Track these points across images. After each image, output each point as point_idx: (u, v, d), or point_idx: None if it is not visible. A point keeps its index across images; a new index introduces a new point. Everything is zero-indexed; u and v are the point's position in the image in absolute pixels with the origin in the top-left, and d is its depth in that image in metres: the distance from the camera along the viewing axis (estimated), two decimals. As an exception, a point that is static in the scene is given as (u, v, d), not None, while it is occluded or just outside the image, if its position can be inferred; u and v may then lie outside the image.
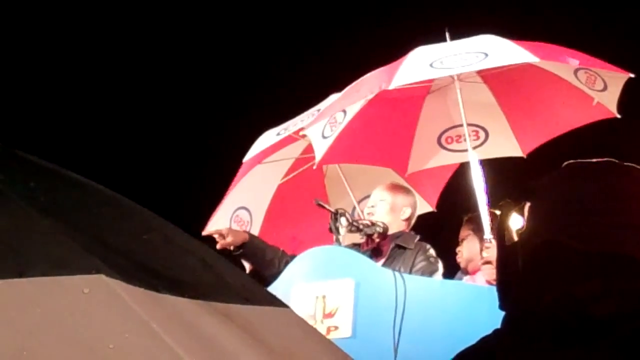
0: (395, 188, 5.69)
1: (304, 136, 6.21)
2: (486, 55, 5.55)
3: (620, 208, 1.92)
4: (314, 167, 6.09)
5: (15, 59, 9.52)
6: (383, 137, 6.33)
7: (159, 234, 1.74)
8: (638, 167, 2.06)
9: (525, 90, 6.34)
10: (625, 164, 2.06)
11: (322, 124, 5.85)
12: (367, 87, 5.88)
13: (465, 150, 6.15)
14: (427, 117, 6.41)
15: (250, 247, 5.47)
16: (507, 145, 6.44)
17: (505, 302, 2.01)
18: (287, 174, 6.68)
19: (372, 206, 5.56)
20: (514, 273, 1.98)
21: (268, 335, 1.64)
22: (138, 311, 1.42)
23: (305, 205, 6.53)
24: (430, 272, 5.28)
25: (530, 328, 1.88)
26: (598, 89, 6.00)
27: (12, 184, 1.55)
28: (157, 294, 1.52)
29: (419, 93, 6.37)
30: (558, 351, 1.80)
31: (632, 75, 5.91)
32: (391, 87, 5.54)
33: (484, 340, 1.98)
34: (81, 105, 9.92)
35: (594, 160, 2.08)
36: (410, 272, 5.20)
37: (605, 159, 2.09)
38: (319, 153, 5.79)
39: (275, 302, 1.80)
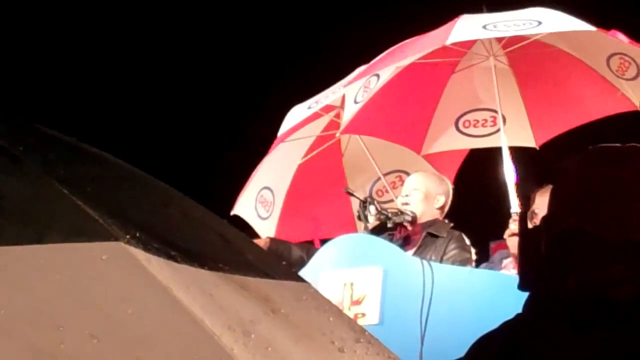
0: (428, 176, 5.68)
1: (328, 112, 6.22)
2: (540, 22, 5.51)
3: None
4: (337, 135, 6.07)
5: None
6: (404, 113, 6.29)
7: (178, 209, 1.75)
8: (663, 152, 2.05)
9: (549, 77, 6.29)
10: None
11: (358, 86, 5.82)
12: (412, 48, 5.84)
13: (482, 136, 6.14)
14: (449, 97, 6.37)
15: (271, 252, 5.45)
16: (522, 135, 6.39)
17: (527, 285, 2.02)
18: (307, 153, 6.65)
19: (406, 195, 5.55)
20: (536, 258, 1.98)
21: (285, 307, 1.65)
22: (157, 278, 1.43)
23: (324, 185, 6.53)
24: (462, 260, 5.26)
25: (552, 312, 1.88)
26: (629, 77, 5.93)
27: (32, 155, 1.57)
28: (176, 263, 1.53)
29: (445, 71, 6.32)
30: (579, 335, 1.80)
31: None
32: (449, 42, 5.51)
33: (506, 324, 1.98)
34: (110, 82, 9.95)
35: (618, 145, 2.07)
36: (441, 261, 5.18)
37: (630, 144, 2.08)
38: (345, 121, 5.78)
39: (293, 277, 1.81)
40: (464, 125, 6.39)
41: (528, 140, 6.44)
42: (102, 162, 1.74)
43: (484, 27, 5.57)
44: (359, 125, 5.98)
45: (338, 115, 6.49)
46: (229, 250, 1.76)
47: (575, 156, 2.10)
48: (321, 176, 6.64)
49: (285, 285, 1.75)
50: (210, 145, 10.09)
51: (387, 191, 6.55)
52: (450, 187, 5.69)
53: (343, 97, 6.06)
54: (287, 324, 1.63)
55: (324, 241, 5.47)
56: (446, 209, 5.60)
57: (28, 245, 1.39)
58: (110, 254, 1.43)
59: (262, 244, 5.50)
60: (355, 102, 5.81)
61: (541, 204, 2.11)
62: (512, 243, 5.16)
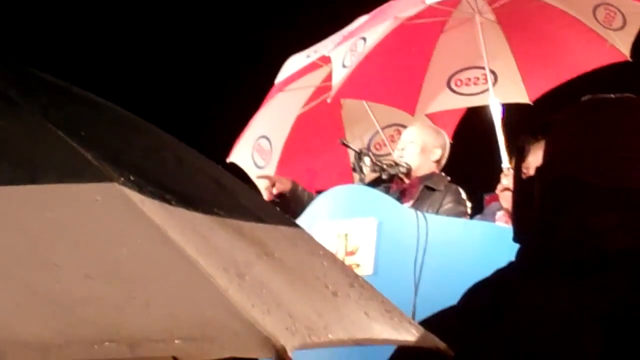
0: (425, 129, 5.67)
1: (327, 62, 6.20)
2: None
3: (635, 143, 1.92)
4: (328, 101, 6.07)
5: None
6: (395, 76, 6.29)
7: (173, 153, 1.76)
8: (657, 102, 2.05)
9: (538, 32, 6.29)
10: (644, 98, 2.05)
11: (344, 49, 5.82)
12: (394, 9, 5.84)
13: (474, 94, 6.15)
14: (439, 57, 6.37)
15: (294, 195, 5.46)
16: (515, 90, 6.39)
17: (520, 235, 2.03)
18: (306, 104, 6.64)
19: (402, 149, 5.55)
20: (530, 207, 1.99)
21: (279, 250, 1.66)
22: (152, 218, 1.43)
23: (322, 137, 6.54)
24: (457, 213, 5.28)
25: (544, 260, 1.89)
26: (616, 27, 5.93)
27: (26, 98, 1.57)
28: (170, 206, 1.54)
29: (434, 31, 6.32)
30: (571, 282, 1.81)
31: None
32: (429, 1, 5.53)
33: (499, 272, 2.00)
34: (105, 27, 9.90)
35: (611, 95, 2.08)
36: (437, 213, 5.21)
37: (623, 94, 2.08)
38: (336, 85, 5.78)
39: (287, 222, 1.82)
40: (456, 84, 6.39)
41: (521, 95, 6.44)
42: (97, 106, 1.74)
43: None
44: (350, 89, 5.98)
45: None
46: (224, 194, 1.77)
47: (569, 107, 2.10)
48: (320, 127, 6.64)
49: (280, 230, 1.75)
50: (207, 92, 10.06)
51: (385, 144, 6.56)
52: (447, 140, 5.70)
53: None
54: (281, 267, 1.64)
55: (320, 192, 5.48)
56: (443, 161, 5.61)
57: (22, 186, 1.39)
58: (104, 195, 1.44)
59: (286, 184, 5.50)
60: (344, 66, 5.81)
61: (534, 161, 2.12)
62: (504, 197, 5.18)
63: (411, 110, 6.33)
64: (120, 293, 1.38)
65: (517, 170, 2.17)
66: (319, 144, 6.59)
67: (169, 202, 1.55)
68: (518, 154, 2.24)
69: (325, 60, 6.25)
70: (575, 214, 1.90)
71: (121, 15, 9.98)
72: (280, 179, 5.63)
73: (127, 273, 1.41)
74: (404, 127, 6.28)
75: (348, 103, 6.68)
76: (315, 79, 6.58)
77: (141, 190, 1.49)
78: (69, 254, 1.38)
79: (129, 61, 9.97)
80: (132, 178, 1.51)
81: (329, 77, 6.41)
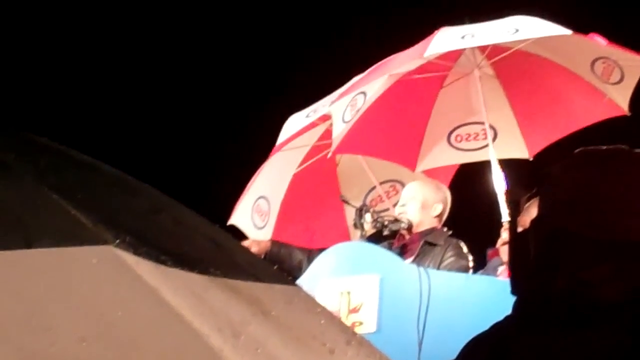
0: (426, 185, 5.70)
1: (324, 121, 6.25)
2: (517, 30, 5.56)
3: (630, 195, 1.93)
4: (329, 156, 6.10)
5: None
6: (395, 131, 6.33)
7: (169, 214, 1.77)
8: (650, 153, 2.07)
9: (536, 87, 6.33)
10: (636, 150, 2.07)
11: (344, 104, 5.86)
12: (394, 64, 5.89)
13: (474, 149, 6.18)
14: (439, 112, 6.41)
15: (272, 255, 5.48)
16: (515, 146, 6.42)
17: (517, 287, 2.04)
18: (302, 163, 6.67)
19: (403, 205, 5.57)
20: (526, 259, 2.00)
21: (276, 309, 1.67)
22: (147, 280, 1.45)
23: (319, 195, 6.56)
24: (459, 267, 5.27)
25: (540, 312, 1.90)
26: (614, 81, 5.97)
27: (23, 163, 1.58)
28: (166, 267, 1.55)
29: (433, 86, 6.37)
30: (567, 335, 1.82)
31: None
32: (426, 54, 5.58)
33: (496, 326, 2.00)
34: (103, 88, 9.96)
35: (603, 147, 2.10)
36: (438, 268, 5.20)
37: (616, 146, 2.10)
38: (336, 140, 5.81)
39: (284, 280, 1.82)
40: (456, 140, 6.42)
41: (521, 151, 6.46)
42: (93, 169, 1.76)
43: (462, 37, 5.63)
44: (351, 144, 6.02)
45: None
46: (220, 254, 1.78)
47: (563, 160, 2.12)
48: (316, 186, 6.66)
49: (276, 289, 1.76)
50: (208, 154, 10.11)
51: (382, 200, 6.58)
52: (448, 194, 5.71)
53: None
54: (278, 326, 1.64)
55: (318, 251, 5.49)
56: (444, 216, 5.62)
57: (17, 250, 1.41)
58: (100, 257, 1.45)
59: (263, 246, 5.52)
60: (344, 121, 5.85)
61: (529, 214, 2.13)
62: (504, 251, 5.18)
63: (412, 166, 6.36)
64: (115, 355, 1.39)
65: (513, 223, 2.18)
66: (316, 202, 6.62)
67: (164, 262, 1.56)
68: (513, 207, 2.26)
69: (322, 119, 6.30)
70: (569, 266, 1.91)
71: (123, 70, 10.05)
72: (256, 242, 5.67)
73: (122, 335, 1.41)
74: (400, 183, 6.32)
75: (344, 160, 6.72)
76: (311, 137, 6.62)
77: (136, 251, 1.51)
78: (64, 317, 1.39)
79: (132, 119, 10.03)
80: (127, 240, 1.52)
81: (324, 136, 6.47)
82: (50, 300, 1.39)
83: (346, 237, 6.22)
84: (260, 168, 6.66)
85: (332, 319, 1.83)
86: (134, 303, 1.44)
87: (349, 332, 1.82)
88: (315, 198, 6.61)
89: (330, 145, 6.54)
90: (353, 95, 5.91)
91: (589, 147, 2.12)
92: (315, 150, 6.66)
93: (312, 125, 6.47)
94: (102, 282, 1.45)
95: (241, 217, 6.50)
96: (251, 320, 1.59)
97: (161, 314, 1.43)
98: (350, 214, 6.59)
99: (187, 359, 1.42)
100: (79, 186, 1.66)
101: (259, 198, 6.57)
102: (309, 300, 1.82)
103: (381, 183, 6.60)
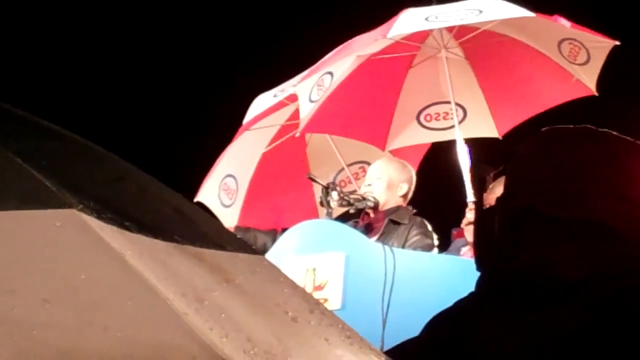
0: (391, 164, 5.73)
1: (293, 101, 6.26)
2: (481, 11, 5.61)
3: (595, 175, 1.96)
4: (297, 135, 6.12)
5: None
6: (364, 111, 6.38)
7: (133, 182, 1.77)
8: (614, 133, 2.10)
9: (505, 67, 6.39)
10: (602, 129, 2.09)
11: (310, 84, 5.89)
12: (359, 44, 5.92)
13: (444, 129, 6.24)
14: (408, 92, 6.46)
15: None
16: (484, 125, 6.49)
17: (481, 264, 2.06)
18: (271, 142, 6.70)
19: (369, 184, 5.61)
20: (491, 237, 2.02)
21: (239, 277, 1.67)
22: (111, 244, 1.45)
23: (287, 174, 6.58)
24: (424, 246, 5.32)
25: (504, 289, 1.92)
26: (580, 62, 6.05)
27: (-15, 128, 1.58)
28: (130, 233, 1.55)
29: (402, 66, 6.40)
30: (528, 313, 1.84)
31: (618, 43, 5.95)
32: (389, 35, 5.63)
33: (459, 302, 2.02)
34: (72, 61, 9.89)
35: (570, 126, 2.12)
36: (403, 247, 5.25)
37: (582, 125, 2.12)
38: (304, 120, 5.83)
39: (248, 250, 1.83)
40: (425, 119, 6.48)
41: (490, 130, 6.53)
42: (58, 136, 1.75)
43: (426, 19, 5.68)
44: (319, 123, 6.05)
45: None
46: (184, 222, 1.78)
47: (529, 139, 2.15)
48: (285, 165, 6.69)
49: (240, 257, 1.77)
50: (174, 132, 10.08)
51: (350, 182, 6.62)
52: (413, 173, 5.76)
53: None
54: (241, 293, 1.65)
55: (285, 230, 5.51)
56: (410, 195, 5.67)
57: (-21, 212, 1.41)
58: (64, 220, 1.45)
59: None
60: (311, 101, 5.87)
61: (495, 192, 2.15)
62: (469, 231, 5.22)
63: (382, 145, 6.41)
64: (78, 317, 1.39)
65: (479, 200, 2.20)
66: (284, 182, 6.66)
67: (128, 229, 1.56)
68: (479, 185, 2.28)
69: (291, 98, 6.32)
70: (533, 244, 1.93)
71: (90, 48, 9.99)
72: None
73: (86, 298, 1.42)
74: (369, 164, 6.35)
75: (313, 141, 6.76)
76: (280, 117, 6.64)
77: (100, 217, 1.51)
78: (27, 279, 1.39)
79: (100, 97, 9.97)
80: (91, 205, 1.52)
81: (293, 116, 6.49)
82: (12, 262, 1.38)
83: (314, 216, 6.27)
84: (228, 147, 6.67)
85: (296, 288, 1.84)
86: (98, 266, 1.44)
87: (312, 302, 1.83)
88: (284, 177, 6.65)
89: (298, 125, 6.55)
90: (319, 75, 5.93)
91: (554, 127, 2.15)
92: (284, 129, 6.68)
93: (281, 104, 6.49)
94: (65, 245, 1.45)
95: (208, 195, 6.52)
96: (215, 287, 1.60)
97: (125, 277, 1.44)
98: (318, 193, 6.61)
99: (151, 322, 1.43)
100: (44, 152, 1.65)
101: (227, 176, 6.60)
102: (273, 270, 1.82)
103: (349, 165, 6.64)
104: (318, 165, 6.80)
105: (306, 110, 5.84)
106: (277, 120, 6.65)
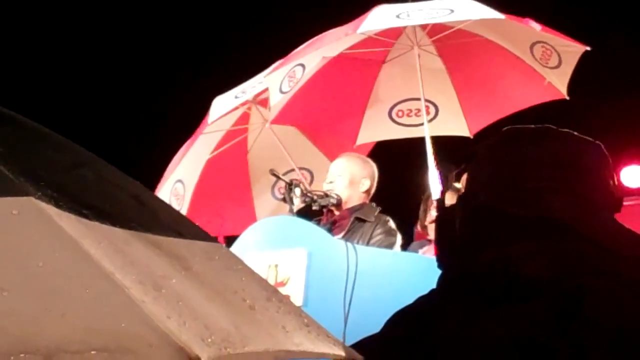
0: (352, 160, 5.69)
1: (244, 103, 6.25)
2: (452, 11, 5.62)
3: (554, 174, 1.97)
4: (267, 126, 6.11)
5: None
6: (336, 104, 6.36)
7: (91, 170, 1.76)
8: (575, 133, 2.12)
9: (478, 67, 6.40)
10: (563, 130, 2.11)
11: (281, 75, 5.85)
12: (330, 38, 5.91)
13: (415, 125, 6.23)
14: (381, 87, 6.45)
15: None
16: (456, 123, 6.49)
17: (442, 262, 2.07)
18: (216, 148, 6.64)
19: (331, 182, 5.57)
20: (452, 234, 2.03)
21: (197, 265, 1.68)
22: (68, 232, 1.45)
23: (229, 182, 6.55)
24: (388, 245, 5.31)
25: (463, 286, 1.93)
26: (552, 65, 6.07)
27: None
28: (88, 220, 1.55)
29: (375, 61, 6.40)
30: (488, 310, 1.85)
31: (588, 48, 5.98)
32: (359, 31, 5.61)
33: (420, 299, 2.03)
34: (32, 46, 9.81)
35: (532, 125, 2.14)
36: (367, 244, 5.24)
37: (543, 125, 2.14)
38: (274, 111, 5.81)
39: (206, 237, 1.83)
40: (397, 115, 6.46)
41: (462, 129, 6.53)
42: (15, 123, 1.75)
43: (397, 16, 5.67)
44: (289, 115, 6.01)
45: (250, 108, 6.54)
46: (142, 210, 1.78)
47: (491, 137, 2.16)
48: (226, 173, 6.65)
49: (198, 245, 1.77)
50: (133, 132, 10.04)
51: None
52: (375, 169, 5.73)
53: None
54: (199, 281, 1.65)
55: (228, 238, 5.48)
56: (372, 191, 5.65)
57: None
58: (21, 208, 1.44)
59: None
60: (282, 92, 5.83)
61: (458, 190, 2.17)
62: (432, 229, 5.24)
63: (352, 139, 6.39)
64: (36, 305, 1.39)
65: (441, 198, 2.22)
66: (226, 189, 6.61)
67: (86, 216, 1.56)
68: (442, 183, 2.29)
69: (243, 103, 6.31)
70: (493, 242, 1.94)
71: (49, 35, 9.91)
72: None
73: (43, 285, 1.42)
74: (310, 172, 6.35)
75: (255, 149, 6.72)
76: (227, 122, 6.59)
77: (58, 204, 1.51)
78: (-16, 267, 1.39)
79: (60, 90, 9.90)
80: (49, 193, 1.52)
81: (239, 120, 6.47)
82: (-31, 250, 1.38)
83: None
84: (181, 150, 6.63)
85: (253, 276, 1.84)
86: (55, 254, 1.44)
87: (269, 290, 1.84)
88: (226, 184, 6.61)
89: (245, 130, 6.56)
90: (291, 67, 5.89)
91: (515, 126, 2.17)
92: (229, 135, 6.64)
93: (236, 108, 6.46)
94: (22, 233, 1.44)
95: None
96: (173, 274, 1.60)
97: (82, 265, 1.44)
98: (259, 202, 6.62)
99: (109, 309, 1.43)
100: (0, 139, 1.65)
101: (177, 181, 6.56)
102: (230, 258, 1.83)
103: (290, 171, 6.60)
104: (258, 174, 6.74)
105: (276, 101, 5.82)
106: (224, 125, 6.58)
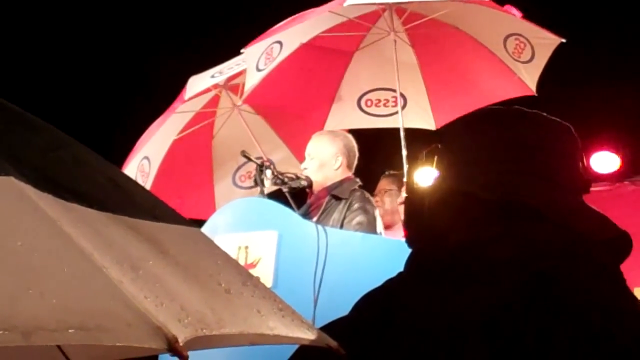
0: (319, 141, 5.59)
1: (216, 87, 6.24)
2: None
3: (522, 157, 1.98)
4: (239, 103, 6.08)
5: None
6: (308, 87, 6.32)
7: (69, 152, 1.78)
8: (544, 114, 2.13)
9: (448, 59, 6.38)
10: (532, 111, 2.12)
11: (259, 51, 5.81)
12: (312, 15, 5.88)
13: (383, 116, 6.22)
14: (352, 75, 6.43)
15: None
16: (422, 116, 6.46)
17: (411, 243, 2.08)
18: (184, 129, 6.61)
19: (305, 168, 5.52)
20: (421, 216, 2.04)
21: (173, 248, 1.70)
22: (46, 212, 1.46)
23: (191, 166, 6.54)
24: (360, 223, 5.26)
25: (432, 269, 1.94)
26: (524, 60, 6.05)
27: None
28: (66, 202, 1.57)
29: (349, 47, 6.37)
30: (457, 291, 1.86)
31: (564, 40, 5.98)
32: (346, 4, 5.59)
33: (389, 282, 2.04)
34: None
35: (500, 107, 2.15)
36: (342, 223, 5.22)
37: (512, 106, 2.16)
38: (248, 89, 5.78)
39: (182, 221, 1.85)
40: (366, 104, 6.42)
41: (428, 122, 6.50)
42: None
43: None
44: (262, 94, 5.97)
45: (221, 92, 6.53)
46: (119, 193, 1.80)
47: (458, 119, 2.17)
48: (190, 155, 6.62)
49: (174, 229, 1.79)
50: (108, 107, 9.97)
51: (249, 177, 6.51)
52: (347, 140, 5.60)
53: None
54: (175, 264, 1.67)
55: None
56: (353, 162, 5.54)
57: None
58: (1, 188, 1.46)
59: None
60: (258, 70, 5.80)
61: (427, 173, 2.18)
62: (403, 210, 5.24)
63: (320, 125, 6.35)
64: (14, 283, 1.41)
65: (411, 180, 2.22)
66: (188, 171, 6.59)
67: (64, 198, 1.58)
68: (411, 164, 2.30)
69: (215, 86, 6.30)
70: (462, 225, 1.94)
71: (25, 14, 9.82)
72: None
73: (22, 264, 1.43)
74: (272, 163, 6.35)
75: (220, 135, 6.71)
76: (197, 103, 6.56)
77: (37, 185, 1.52)
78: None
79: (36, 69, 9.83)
80: (27, 173, 1.54)
81: (209, 104, 6.44)
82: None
83: (213, 210, 6.14)
84: (152, 126, 6.59)
85: (229, 260, 1.87)
86: (34, 233, 1.45)
87: (244, 274, 1.86)
88: (188, 167, 6.59)
89: (213, 114, 6.54)
90: (269, 43, 5.85)
91: (484, 107, 2.17)
92: (198, 117, 6.61)
93: (205, 90, 6.42)
94: (1, 212, 1.46)
95: (128, 174, 6.43)
96: (150, 257, 1.62)
97: (61, 244, 1.45)
98: (219, 188, 6.60)
99: (87, 288, 1.44)
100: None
101: (144, 158, 6.51)
102: (207, 242, 1.85)
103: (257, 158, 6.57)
104: (222, 161, 6.71)
105: (252, 79, 5.79)
106: (194, 106, 6.56)
